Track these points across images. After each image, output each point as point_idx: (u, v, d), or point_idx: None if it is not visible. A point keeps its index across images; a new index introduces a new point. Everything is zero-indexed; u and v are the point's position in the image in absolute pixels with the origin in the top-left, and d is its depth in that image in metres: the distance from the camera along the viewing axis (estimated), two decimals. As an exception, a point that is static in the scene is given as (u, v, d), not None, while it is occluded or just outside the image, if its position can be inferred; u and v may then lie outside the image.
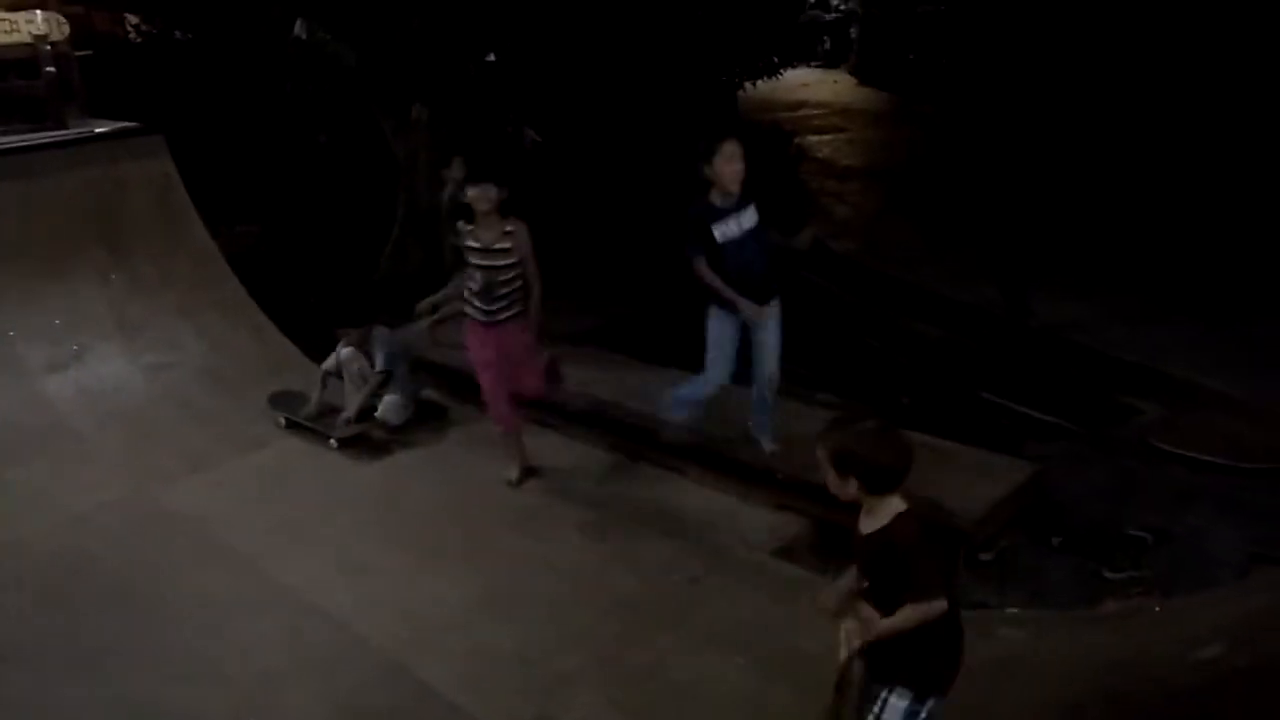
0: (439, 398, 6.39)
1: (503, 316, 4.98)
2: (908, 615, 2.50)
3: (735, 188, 4.66)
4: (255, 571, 4.58)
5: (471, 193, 4.87)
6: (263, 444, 5.88)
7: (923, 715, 2.62)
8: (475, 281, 4.97)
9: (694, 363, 6.27)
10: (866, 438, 2.59)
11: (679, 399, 5.23)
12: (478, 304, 5.00)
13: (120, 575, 4.61)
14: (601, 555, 4.62)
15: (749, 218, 4.71)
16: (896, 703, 2.62)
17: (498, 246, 4.88)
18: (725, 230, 4.70)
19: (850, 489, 2.58)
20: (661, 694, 3.72)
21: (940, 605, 2.50)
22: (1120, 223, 8.94)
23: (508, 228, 4.88)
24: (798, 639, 3.81)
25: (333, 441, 5.76)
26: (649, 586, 4.36)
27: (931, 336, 7.63)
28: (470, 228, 4.94)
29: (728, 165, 4.60)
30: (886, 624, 2.55)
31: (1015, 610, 4.29)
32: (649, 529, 4.84)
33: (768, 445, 5.19)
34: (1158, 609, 4.22)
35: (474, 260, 4.95)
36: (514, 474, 5.30)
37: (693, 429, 5.39)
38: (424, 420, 6.07)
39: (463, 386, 6.30)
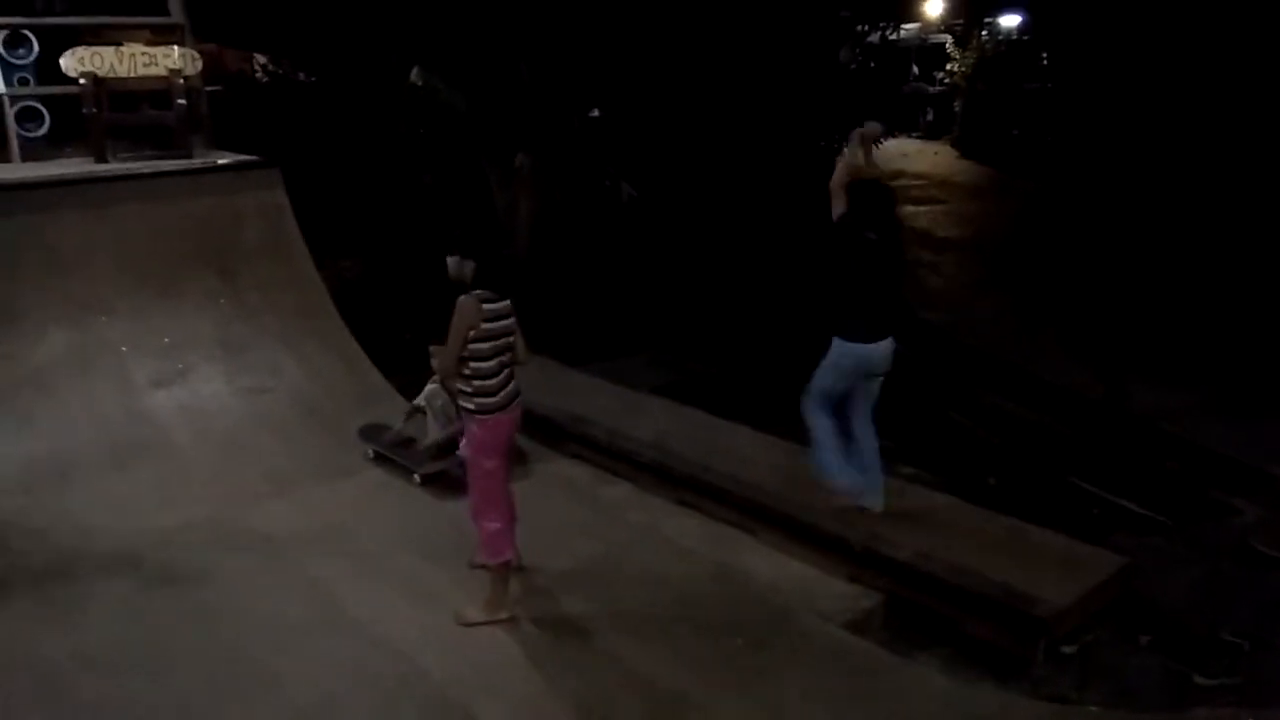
0: (519, 440, 6.43)
1: (519, 398, 4.40)
2: None
3: None
4: (327, 597, 4.67)
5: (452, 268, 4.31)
6: (348, 473, 6.01)
7: None
8: (487, 359, 4.22)
9: (766, 421, 6.27)
10: None
11: (819, 470, 5.21)
12: (496, 383, 4.27)
13: (197, 590, 4.74)
14: (666, 611, 4.57)
15: None
16: None
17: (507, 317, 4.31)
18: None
19: None
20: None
21: None
22: (1226, 311, 8.63)
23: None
24: (860, 717, 3.71)
25: (416, 477, 5.86)
26: (713, 648, 4.29)
27: (1021, 416, 7.43)
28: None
29: None
30: None
31: (1095, 708, 4.10)
32: (716, 589, 4.78)
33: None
34: (1250, 721, 4.00)
35: (492, 329, 4.21)
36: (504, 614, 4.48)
37: (771, 491, 5.37)
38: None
39: (543, 429, 6.38)
